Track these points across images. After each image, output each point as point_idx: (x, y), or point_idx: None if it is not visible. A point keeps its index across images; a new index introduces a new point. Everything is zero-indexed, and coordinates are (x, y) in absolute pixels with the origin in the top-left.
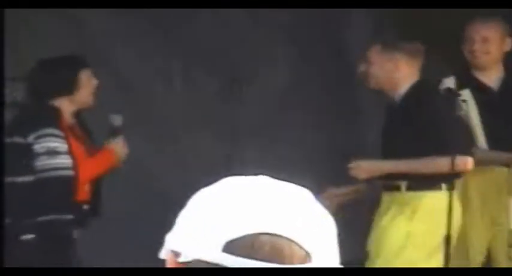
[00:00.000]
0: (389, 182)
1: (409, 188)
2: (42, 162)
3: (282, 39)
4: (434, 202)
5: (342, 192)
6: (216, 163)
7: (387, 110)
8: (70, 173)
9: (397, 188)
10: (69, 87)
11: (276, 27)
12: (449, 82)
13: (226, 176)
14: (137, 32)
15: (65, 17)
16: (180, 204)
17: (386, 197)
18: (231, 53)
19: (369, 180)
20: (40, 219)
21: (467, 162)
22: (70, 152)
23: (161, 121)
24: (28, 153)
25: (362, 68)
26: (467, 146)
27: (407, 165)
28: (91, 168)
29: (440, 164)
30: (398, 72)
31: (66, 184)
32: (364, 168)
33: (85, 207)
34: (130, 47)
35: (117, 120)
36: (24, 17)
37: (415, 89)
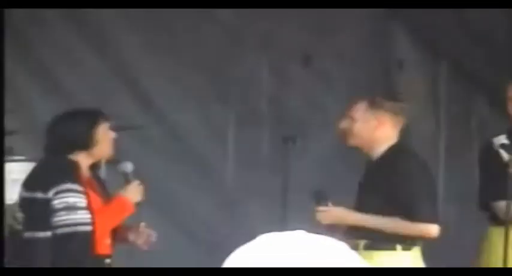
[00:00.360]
0: (347, 240)
1: (367, 247)
2: (60, 218)
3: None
4: (392, 261)
5: None
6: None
7: (366, 165)
8: (89, 228)
9: (355, 247)
10: (86, 142)
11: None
12: (502, 139)
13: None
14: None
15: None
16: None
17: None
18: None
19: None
20: None
21: (431, 230)
22: (89, 207)
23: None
24: (47, 209)
25: (344, 124)
26: (434, 212)
27: (374, 222)
28: (107, 220)
29: (406, 227)
30: (381, 131)
31: (85, 240)
32: (331, 214)
33: (107, 261)
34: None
35: (128, 167)
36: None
37: (392, 150)
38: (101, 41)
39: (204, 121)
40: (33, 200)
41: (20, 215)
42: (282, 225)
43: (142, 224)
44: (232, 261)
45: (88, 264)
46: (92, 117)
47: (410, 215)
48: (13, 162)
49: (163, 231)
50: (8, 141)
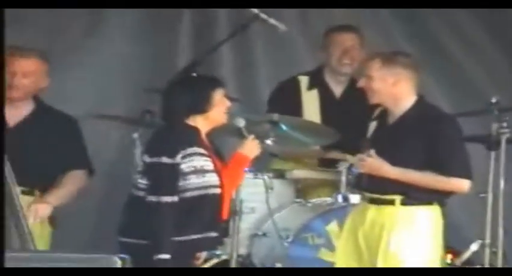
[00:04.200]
0: (382, 196)
1: (404, 203)
2: (190, 181)
3: None
4: (429, 217)
5: None
6: None
7: (383, 119)
8: (218, 191)
9: (390, 202)
10: (204, 107)
11: None
12: None
13: None
14: None
15: None
16: None
17: (371, 211)
18: None
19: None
20: (182, 238)
21: (464, 185)
22: (215, 170)
23: None
24: (174, 173)
25: (361, 83)
26: (467, 167)
27: (409, 175)
28: (231, 180)
29: (440, 181)
30: (399, 87)
31: (214, 202)
32: (370, 164)
33: (223, 225)
34: None
35: (240, 122)
36: None
37: (419, 106)
38: None
39: None
40: (159, 165)
41: (141, 181)
42: None
43: None
44: None
45: (216, 227)
46: (209, 82)
47: (444, 171)
48: None
49: None
50: None
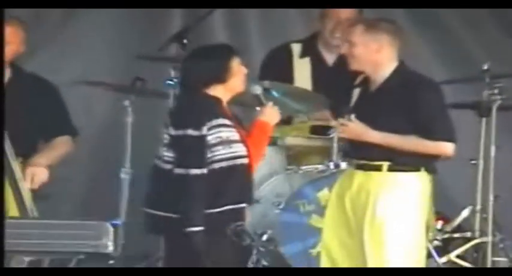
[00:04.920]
0: (369, 162)
1: (391, 169)
2: (217, 153)
3: None
4: (416, 183)
5: None
6: None
7: (365, 87)
8: (246, 161)
9: (378, 168)
10: (223, 75)
11: None
12: None
13: None
14: None
15: None
16: None
17: (358, 176)
18: None
19: (347, 157)
20: (214, 210)
21: (449, 148)
22: (241, 140)
23: None
24: (201, 145)
25: (343, 49)
26: (451, 130)
27: (393, 140)
28: (255, 148)
29: (425, 145)
30: (382, 53)
31: (243, 172)
32: (352, 128)
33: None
34: None
35: (258, 89)
36: None
37: (400, 72)
38: None
39: None
40: (185, 138)
41: (167, 154)
42: None
43: None
44: None
45: (246, 198)
46: (226, 51)
47: (427, 135)
48: None
49: None
50: None
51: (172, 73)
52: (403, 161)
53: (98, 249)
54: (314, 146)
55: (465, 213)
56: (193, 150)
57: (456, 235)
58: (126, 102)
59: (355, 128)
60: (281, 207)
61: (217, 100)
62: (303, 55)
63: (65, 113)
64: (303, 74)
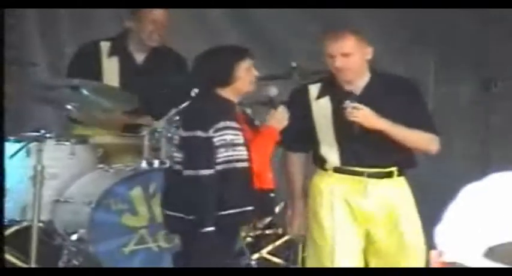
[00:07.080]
0: (379, 170)
1: (400, 174)
2: (220, 155)
3: None
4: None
5: None
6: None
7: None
8: (246, 164)
9: (389, 175)
10: (228, 78)
11: None
12: None
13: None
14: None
15: None
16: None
17: (371, 186)
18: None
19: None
20: (221, 212)
21: (437, 143)
22: (245, 143)
23: None
24: (208, 147)
25: (338, 63)
26: (435, 126)
27: (400, 131)
28: (260, 152)
29: (427, 138)
30: (366, 61)
31: (243, 175)
32: (362, 113)
33: (271, 195)
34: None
35: (272, 91)
36: None
37: (377, 77)
38: None
39: None
40: (194, 139)
41: (177, 155)
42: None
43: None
44: (463, 199)
45: (251, 200)
46: (235, 53)
47: (426, 128)
48: None
49: None
50: None
51: None
52: (406, 164)
53: None
54: (126, 144)
55: (277, 209)
56: (201, 152)
57: (268, 231)
58: None
59: (368, 112)
60: (92, 206)
61: (227, 102)
62: (111, 54)
63: None
64: (111, 72)
